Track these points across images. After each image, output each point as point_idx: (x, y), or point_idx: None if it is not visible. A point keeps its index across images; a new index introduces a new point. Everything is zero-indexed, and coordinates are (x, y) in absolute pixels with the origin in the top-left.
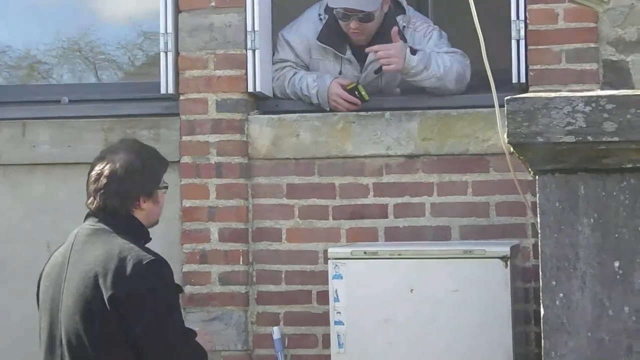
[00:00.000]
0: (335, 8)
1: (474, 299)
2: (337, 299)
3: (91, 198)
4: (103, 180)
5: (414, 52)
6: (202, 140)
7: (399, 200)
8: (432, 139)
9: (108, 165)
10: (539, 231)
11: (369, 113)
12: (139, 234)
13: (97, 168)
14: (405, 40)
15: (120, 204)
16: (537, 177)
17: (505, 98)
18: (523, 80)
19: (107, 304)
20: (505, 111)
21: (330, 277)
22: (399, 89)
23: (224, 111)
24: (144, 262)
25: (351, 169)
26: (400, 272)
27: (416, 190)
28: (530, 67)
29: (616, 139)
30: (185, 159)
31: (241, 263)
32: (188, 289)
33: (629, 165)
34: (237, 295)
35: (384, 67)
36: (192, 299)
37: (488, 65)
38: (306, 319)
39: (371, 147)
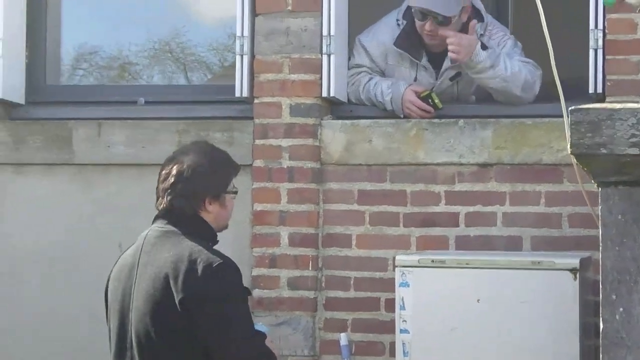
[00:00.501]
0: (414, 7)
1: (541, 311)
2: (403, 307)
3: (159, 198)
4: (170, 180)
5: (484, 47)
6: (274, 144)
7: (471, 209)
8: (506, 148)
9: (176, 166)
10: (600, 244)
11: (443, 120)
12: (207, 236)
13: (167, 168)
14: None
15: (186, 204)
16: (600, 188)
17: (570, 108)
18: (600, 90)
19: (177, 305)
20: (569, 121)
21: (397, 285)
22: (474, 97)
23: (297, 116)
24: (214, 265)
25: (423, 176)
26: (468, 282)
27: (488, 199)
28: (608, 77)
29: None
30: (258, 163)
31: (310, 268)
32: (257, 292)
33: None
34: (306, 301)
35: (450, 55)
36: (260, 303)
37: (557, 74)
38: (374, 326)
39: (444, 154)
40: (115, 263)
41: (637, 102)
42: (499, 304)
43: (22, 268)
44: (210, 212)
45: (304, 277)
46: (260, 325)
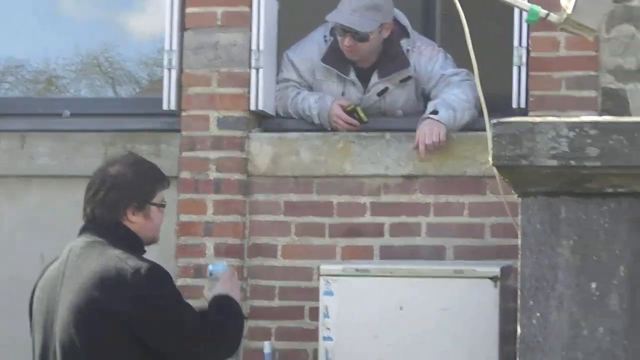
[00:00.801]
0: (333, 23)
1: (463, 318)
2: (327, 315)
3: (84, 209)
4: (93, 189)
5: (434, 112)
6: (202, 157)
7: (396, 219)
8: (431, 161)
9: (101, 175)
10: (520, 252)
11: (369, 134)
12: (133, 245)
13: (92, 179)
14: (409, 64)
15: (108, 213)
16: (520, 199)
17: (492, 122)
18: (523, 105)
19: (104, 315)
20: (491, 134)
21: (321, 294)
22: (400, 111)
23: (225, 128)
24: (142, 271)
25: (349, 188)
26: (391, 290)
27: (413, 210)
28: (531, 92)
29: (598, 164)
30: (184, 174)
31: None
32: None
33: (610, 190)
34: None
35: (438, 145)
36: None
37: (480, 90)
38: (298, 335)
39: (370, 167)
40: (41, 275)
41: (558, 116)
42: (421, 311)
43: None
44: (134, 223)
45: None
46: (219, 264)
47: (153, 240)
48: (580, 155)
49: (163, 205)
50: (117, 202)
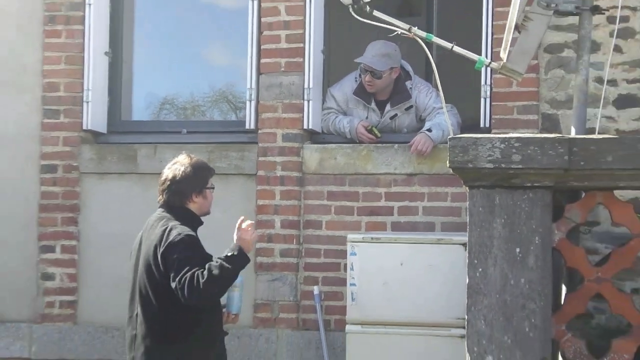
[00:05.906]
0: (360, 63)
1: (443, 273)
2: (352, 269)
3: (160, 196)
4: (167, 182)
5: (429, 130)
6: (272, 160)
7: (401, 204)
8: (425, 163)
9: (169, 173)
10: (468, 227)
11: (384, 145)
12: (191, 220)
13: (164, 174)
14: (410, 97)
15: (177, 199)
16: (468, 190)
17: (448, 137)
18: (488, 125)
19: (159, 262)
20: (448, 146)
21: (348, 254)
22: (405, 130)
23: (287, 141)
24: (183, 234)
25: (370, 182)
26: (395, 252)
27: (413, 197)
28: (493, 116)
29: (520, 166)
30: (260, 173)
31: (294, 243)
32: (259, 259)
33: (529, 184)
34: (291, 264)
35: (425, 152)
36: (261, 266)
37: (448, 117)
38: (336, 281)
39: (384, 167)
40: (136, 238)
41: (508, 132)
42: (415, 267)
43: (103, 248)
44: (196, 203)
45: (290, 249)
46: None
47: (207, 213)
48: (508, 160)
49: (212, 188)
50: (184, 190)
